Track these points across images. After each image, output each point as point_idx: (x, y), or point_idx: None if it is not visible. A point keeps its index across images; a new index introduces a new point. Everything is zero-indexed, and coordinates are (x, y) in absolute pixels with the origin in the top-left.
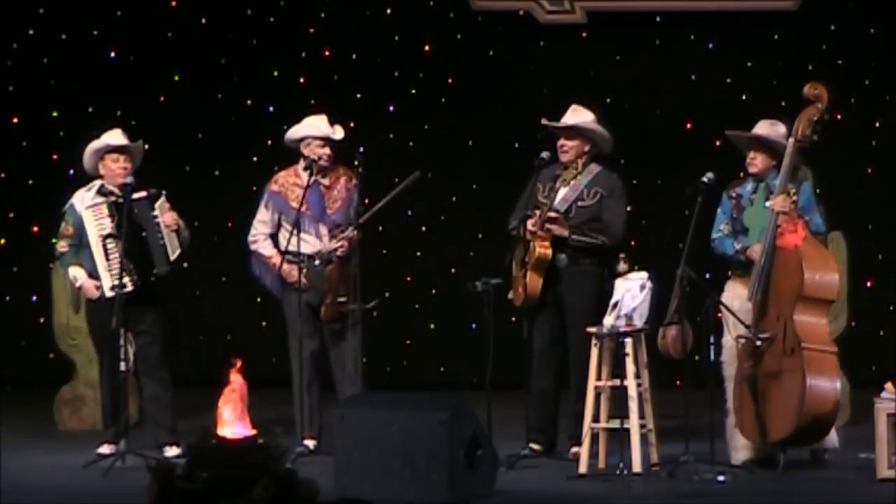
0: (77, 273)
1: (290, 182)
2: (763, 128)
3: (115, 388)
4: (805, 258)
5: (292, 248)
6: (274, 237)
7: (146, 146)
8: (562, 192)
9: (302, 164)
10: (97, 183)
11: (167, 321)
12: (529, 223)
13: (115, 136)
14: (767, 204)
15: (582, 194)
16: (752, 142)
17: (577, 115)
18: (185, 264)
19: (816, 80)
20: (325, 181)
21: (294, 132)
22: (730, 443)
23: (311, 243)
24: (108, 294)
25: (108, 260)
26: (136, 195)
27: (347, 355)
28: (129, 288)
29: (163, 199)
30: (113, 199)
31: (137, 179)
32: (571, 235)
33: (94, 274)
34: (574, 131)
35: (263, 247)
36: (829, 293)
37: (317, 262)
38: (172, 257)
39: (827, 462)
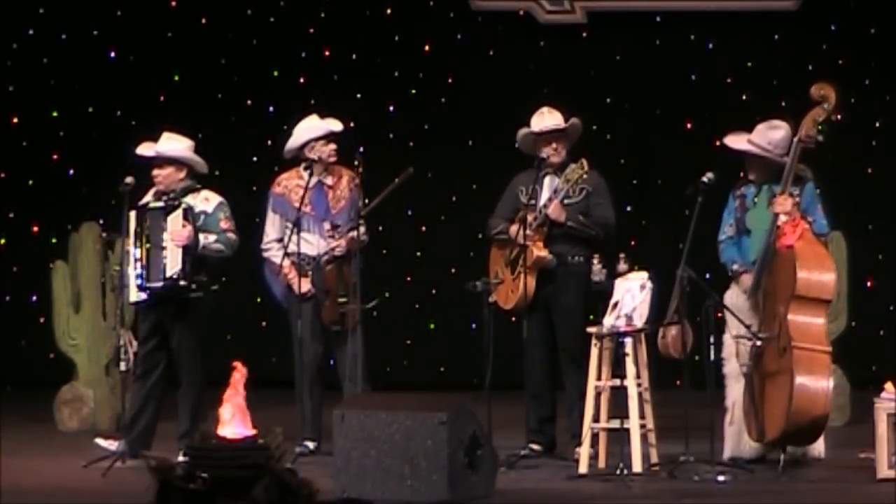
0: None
1: (294, 184)
2: (742, 140)
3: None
4: (799, 258)
5: (295, 248)
6: (283, 241)
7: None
8: (546, 193)
9: (304, 164)
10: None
11: (195, 326)
12: (527, 226)
13: (160, 143)
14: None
15: (567, 192)
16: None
17: (558, 117)
18: (183, 282)
19: (824, 81)
20: (328, 180)
21: (295, 141)
22: (725, 441)
23: (314, 244)
24: (131, 298)
25: (123, 263)
26: (153, 204)
27: (351, 357)
28: (144, 297)
29: (178, 212)
30: (140, 204)
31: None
32: (567, 221)
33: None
34: (563, 132)
35: (275, 255)
36: (823, 293)
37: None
38: (169, 272)
39: (811, 462)
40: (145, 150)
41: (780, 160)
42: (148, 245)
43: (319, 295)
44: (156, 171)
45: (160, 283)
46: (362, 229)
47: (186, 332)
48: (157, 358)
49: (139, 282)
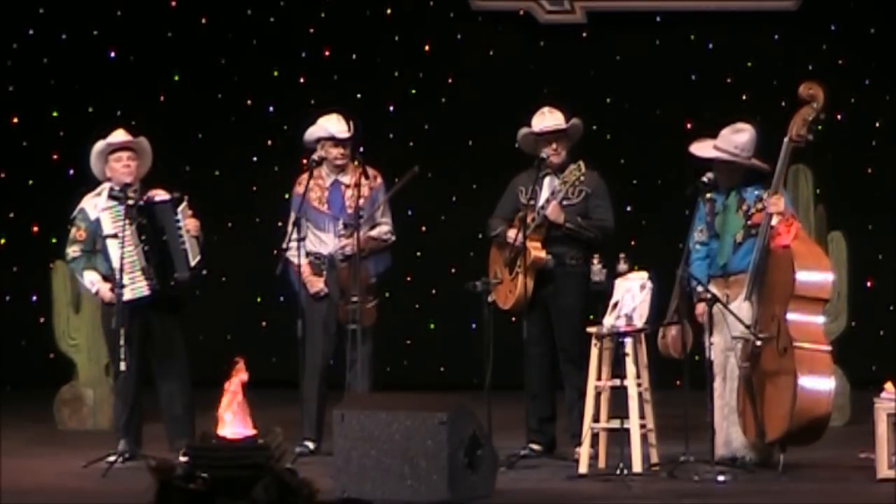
0: (93, 278)
1: (313, 183)
2: (708, 147)
3: (118, 390)
4: (796, 257)
5: (313, 248)
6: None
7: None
8: (546, 194)
9: (306, 163)
10: (105, 186)
11: (180, 323)
12: (526, 227)
13: (117, 136)
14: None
15: (566, 194)
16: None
17: (559, 117)
18: (205, 271)
19: (812, 80)
20: (346, 180)
21: (310, 135)
22: (717, 441)
23: (328, 243)
24: (126, 297)
25: (123, 262)
26: (158, 198)
27: (362, 356)
28: (147, 293)
29: (185, 204)
30: (130, 202)
31: (155, 182)
32: (566, 223)
33: (109, 277)
34: (564, 133)
35: (294, 255)
36: (821, 292)
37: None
38: (193, 263)
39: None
40: (118, 137)
41: (747, 163)
42: (165, 237)
43: (334, 294)
44: (130, 162)
45: (186, 274)
46: (385, 227)
47: (176, 330)
48: (140, 358)
49: (179, 271)
